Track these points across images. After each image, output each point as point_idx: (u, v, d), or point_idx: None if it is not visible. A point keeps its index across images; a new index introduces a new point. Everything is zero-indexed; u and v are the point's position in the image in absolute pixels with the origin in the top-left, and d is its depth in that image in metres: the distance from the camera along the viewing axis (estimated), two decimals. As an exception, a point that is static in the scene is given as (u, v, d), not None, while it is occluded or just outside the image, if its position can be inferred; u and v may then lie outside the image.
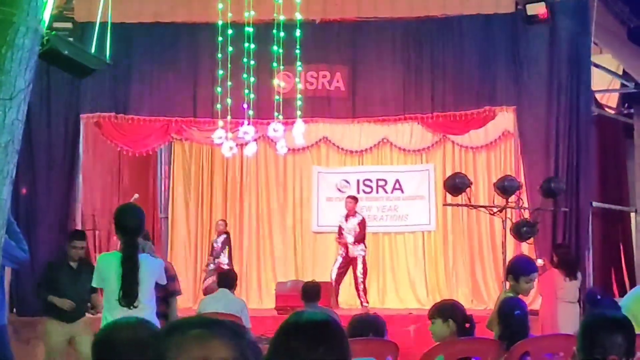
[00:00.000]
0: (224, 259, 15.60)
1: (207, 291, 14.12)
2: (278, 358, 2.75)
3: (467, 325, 6.24)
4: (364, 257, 15.13)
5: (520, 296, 7.12)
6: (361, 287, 15.04)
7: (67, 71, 7.68)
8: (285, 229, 17.53)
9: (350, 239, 15.09)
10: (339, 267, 15.12)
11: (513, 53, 13.80)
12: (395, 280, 17.03)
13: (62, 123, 14.09)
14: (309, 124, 14.08)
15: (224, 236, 15.88)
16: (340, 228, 15.34)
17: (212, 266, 15.55)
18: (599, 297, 8.69)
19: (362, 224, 15.26)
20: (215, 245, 15.82)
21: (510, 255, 11.78)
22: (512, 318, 6.26)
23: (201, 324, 2.03)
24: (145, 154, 15.41)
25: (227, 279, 10.66)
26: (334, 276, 15.02)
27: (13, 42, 5.05)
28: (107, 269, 6.62)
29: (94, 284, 6.85)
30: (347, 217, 15.34)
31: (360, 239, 15.14)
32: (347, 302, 15.54)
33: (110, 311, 6.42)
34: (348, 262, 15.11)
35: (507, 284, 7.62)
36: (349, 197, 15.80)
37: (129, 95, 14.31)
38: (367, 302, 15.11)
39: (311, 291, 10.00)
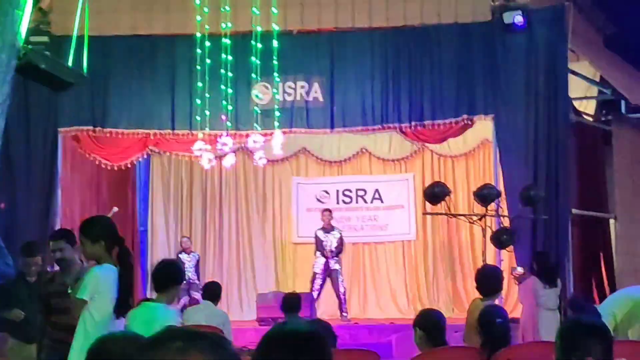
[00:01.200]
0: (192, 275, 15.54)
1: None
2: (261, 370, 2.74)
3: (436, 330, 6.25)
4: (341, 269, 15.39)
5: (497, 302, 7.17)
6: (344, 299, 15.16)
7: (45, 85, 7.65)
8: (265, 240, 17.51)
9: (332, 251, 15.17)
10: (322, 282, 15.15)
11: (490, 61, 13.81)
12: (376, 290, 17.04)
13: (40, 137, 14.03)
14: (288, 134, 14.06)
15: (197, 257, 15.88)
16: (320, 241, 15.35)
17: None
18: (583, 304, 8.72)
19: (342, 239, 15.50)
20: (184, 260, 15.57)
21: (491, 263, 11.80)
22: (493, 326, 6.28)
23: (182, 337, 2.02)
24: (123, 167, 15.33)
25: (211, 292, 10.63)
26: (317, 290, 15.01)
27: (-11, 57, 5.02)
28: (106, 282, 6.26)
29: (84, 297, 6.20)
30: (325, 230, 15.40)
31: (339, 252, 15.38)
32: (327, 312, 15.51)
33: (101, 324, 6.12)
34: (328, 274, 15.15)
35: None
36: (326, 210, 15.81)
37: (106, 109, 14.21)
38: (347, 313, 15.21)
39: (291, 302, 9.98)
